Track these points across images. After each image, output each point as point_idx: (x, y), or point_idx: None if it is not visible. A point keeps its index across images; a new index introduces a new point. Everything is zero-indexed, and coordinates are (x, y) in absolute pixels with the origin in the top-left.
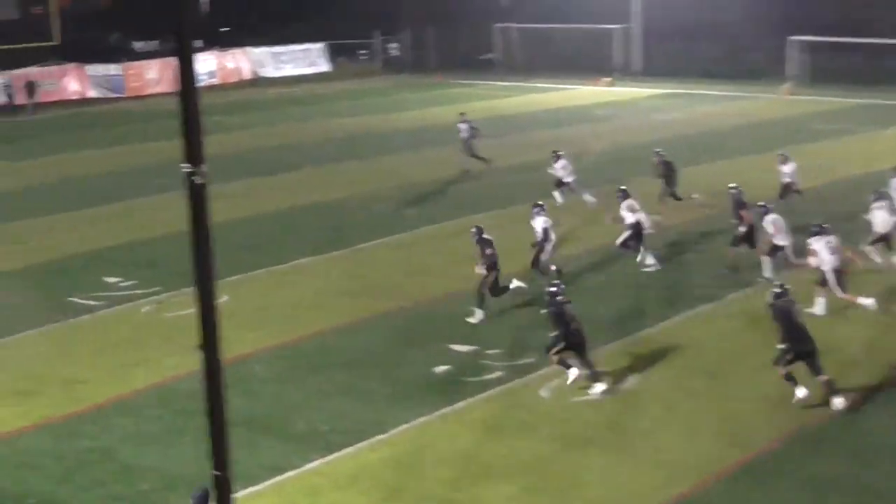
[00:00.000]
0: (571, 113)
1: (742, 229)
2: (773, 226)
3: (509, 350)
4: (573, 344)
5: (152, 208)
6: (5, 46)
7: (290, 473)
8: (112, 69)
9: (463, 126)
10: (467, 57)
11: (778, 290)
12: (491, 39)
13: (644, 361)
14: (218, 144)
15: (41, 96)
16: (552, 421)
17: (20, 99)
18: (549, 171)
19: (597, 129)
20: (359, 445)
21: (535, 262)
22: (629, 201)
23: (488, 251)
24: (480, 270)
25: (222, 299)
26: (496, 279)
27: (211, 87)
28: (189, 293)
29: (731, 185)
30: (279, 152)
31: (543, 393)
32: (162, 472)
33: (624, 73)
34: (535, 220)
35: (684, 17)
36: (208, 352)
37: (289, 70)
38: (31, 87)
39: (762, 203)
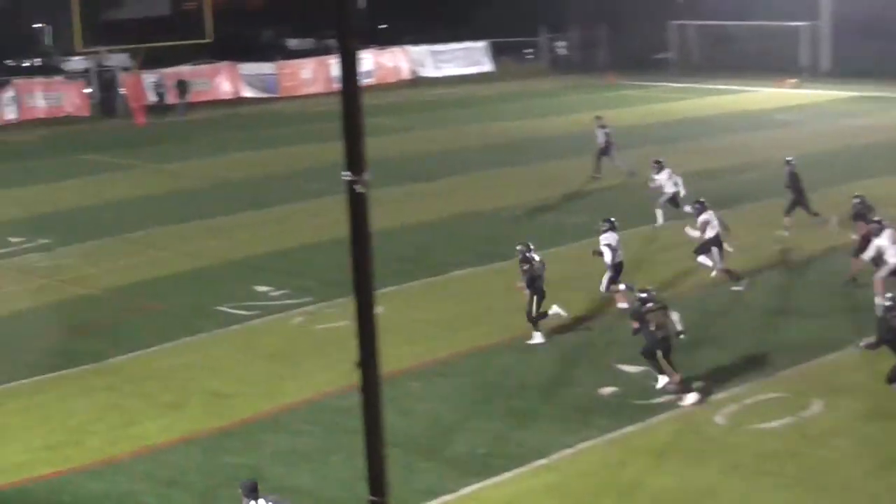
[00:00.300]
0: (752, 117)
1: (855, 239)
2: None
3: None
4: (663, 348)
5: (306, 214)
6: (156, 44)
7: (446, 498)
8: (265, 68)
9: (599, 132)
10: (640, 56)
11: (890, 303)
12: (666, 38)
13: (831, 388)
14: (375, 148)
15: (192, 96)
16: (727, 449)
17: (171, 98)
18: (649, 183)
19: (779, 136)
20: (519, 470)
21: (611, 281)
22: (706, 214)
23: (525, 267)
24: (521, 288)
25: (377, 311)
26: (538, 302)
27: (368, 87)
28: (342, 304)
29: (855, 194)
30: (439, 157)
31: (718, 419)
32: (313, 493)
33: (811, 74)
34: (601, 238)
35: (879, 13)
36: (367, 370)
37: (449, 70)
38: (182, 87)
39: (878, 219)
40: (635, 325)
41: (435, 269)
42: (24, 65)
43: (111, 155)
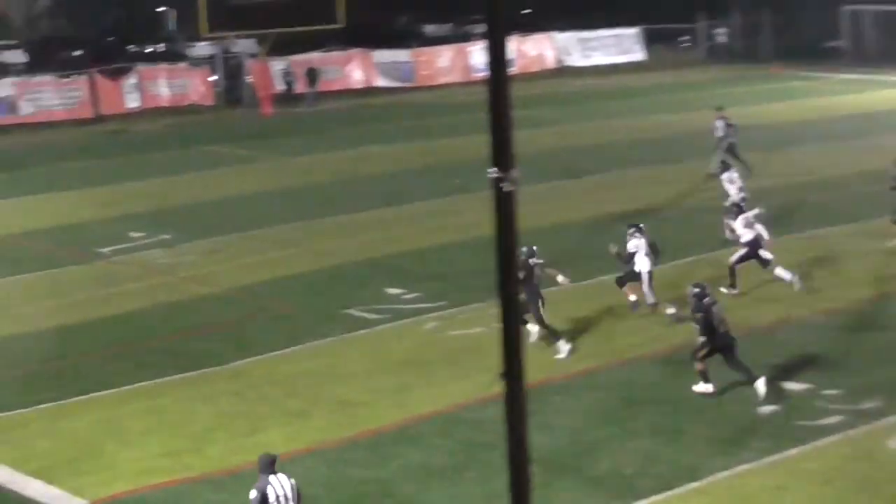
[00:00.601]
0: None
1: None
2: None
3: (852, 390)
4: (721, 346)
5: (444, 212)
6: (285, 29)
7: None
8: (400, 55)
9: (719, 124)
10: (808, 45)
11: None
12: (838, 24)
13: None
14: (517, 142)
15: (323, 84)
16: None
17: (300, 87)
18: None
19: None
20: (668, 493)
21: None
22: (744, 215)
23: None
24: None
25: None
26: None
27: (510, 77)
28: (478, 309)
29: None
30: (585, 152)
31: (893, 444)
32: None
33: None
34: (629, 244)
35: None
36: (511, 381)
37: (598, 59)
38: (312, 75)
39: None
40: (698, 315)
41: (582, 274)
42: (146, 50)
43: (236, 146)
